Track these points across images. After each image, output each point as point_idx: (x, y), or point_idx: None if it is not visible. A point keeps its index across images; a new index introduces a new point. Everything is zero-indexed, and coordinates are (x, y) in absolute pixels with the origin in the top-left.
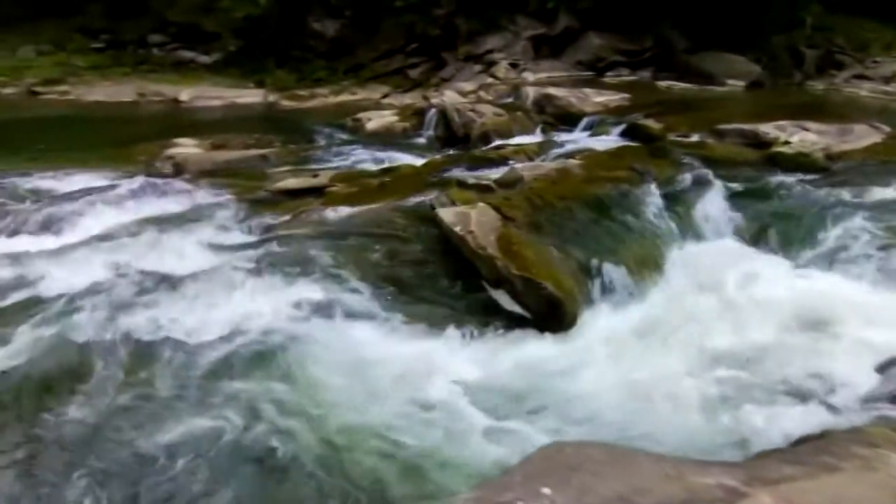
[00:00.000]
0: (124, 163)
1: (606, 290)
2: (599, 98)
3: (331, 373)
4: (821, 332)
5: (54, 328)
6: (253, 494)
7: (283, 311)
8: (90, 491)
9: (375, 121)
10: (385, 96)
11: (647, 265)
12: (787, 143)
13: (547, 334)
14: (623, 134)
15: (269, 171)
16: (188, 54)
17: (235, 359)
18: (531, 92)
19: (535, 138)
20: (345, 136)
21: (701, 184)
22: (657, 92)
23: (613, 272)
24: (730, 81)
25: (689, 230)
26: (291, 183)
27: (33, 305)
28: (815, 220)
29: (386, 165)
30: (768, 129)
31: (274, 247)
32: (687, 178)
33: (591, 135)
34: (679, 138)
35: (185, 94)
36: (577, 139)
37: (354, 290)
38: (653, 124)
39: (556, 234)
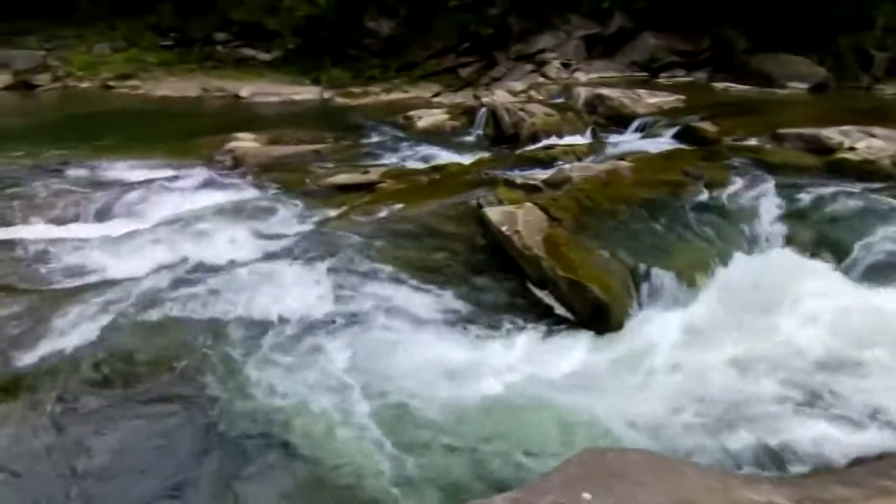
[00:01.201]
0: (187, 155)
1: (653, 294)
2: (653, 99)
3: (372, 367)
4: (878, 350)
5: (116, 309)
6: (300, 476)
7: (330, 304)
8: (149, 458)
9: (426, 119)
10: (436, 95)
11: (697, 272)
12: (851, 149)
13: (591, 337)
14: (676, 136)
15: (321, 165)
16: (250, 52)
17: (281, 347)
18: (583, 92)
19: (586, 139)
20: (395, 134)
21: (757, 190)
22: (714, 94)
23: (661, 277)
24: (791, 84)
25: (743, 238)
26: (342, 178)
27: (99, 287)
28: (877, 232)
29: (435, 163)
30: (832, 134)
31: (324, 240)
32: (742, 183)
33: (644, 137)
34: (735, 142)
35: (245, 90)
36: (629, 141)
37: (400, 286)
38: (708, 127)
39: (604, 237)
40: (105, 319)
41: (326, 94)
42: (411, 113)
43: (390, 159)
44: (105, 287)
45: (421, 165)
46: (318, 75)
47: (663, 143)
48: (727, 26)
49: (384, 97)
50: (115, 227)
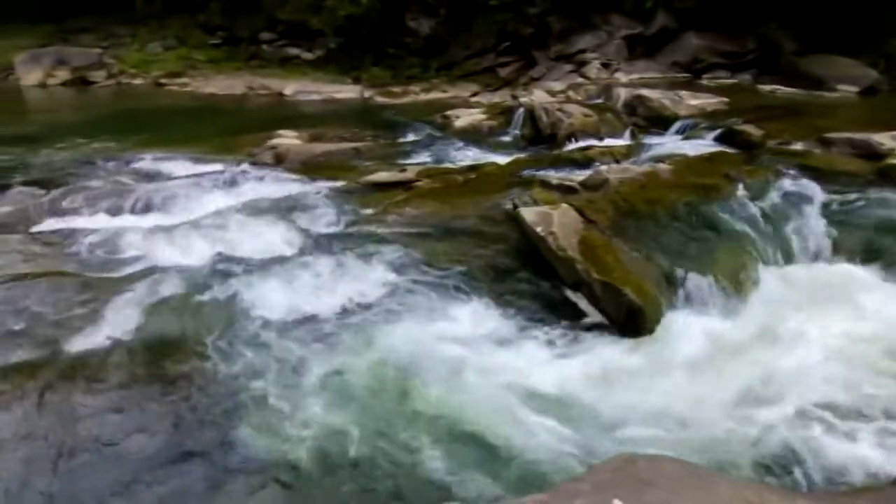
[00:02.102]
0: (232, 151)
1: (690, 300)
2: (695, 101)
3: (400, 362)
4: None
5: (161, 297)
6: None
7: (364, 300)
8: (183, 441)
9: (463, 118)
10: (474, 94)
11: (736, 279)
12: None
13: (624, 340)
14: (718, 139)
15: (360, 163)
16: (294, 51)
17: (314, 339)
18: (622, 93)
19: (624, 140)
20: (433, 133)
21: (802, 196)
22: (759, 96)
23: (698, 283)
24: (841, 87)
25: (786, 245)
26: (380, 176)
27: (146, 276)
28: None
29: (471, 163)
30: (883, 139)
31: (360, 237)
32: (786, 189)
33: (684, 139)
34: (780, 146)
35: (288, 88)
36: (669, 143)
37: (434, 284)
38: (752, 130)
39: (641, 240)
40: (150, 306)
41: (367, 93)
42: (449, 112)
43: (427, 158)
44: (151, 275)
45: (457, 165)
46: (358, 74)
47: (705, 145)
48: (774, 27)
49: (423, 96)
50: (162, 219)
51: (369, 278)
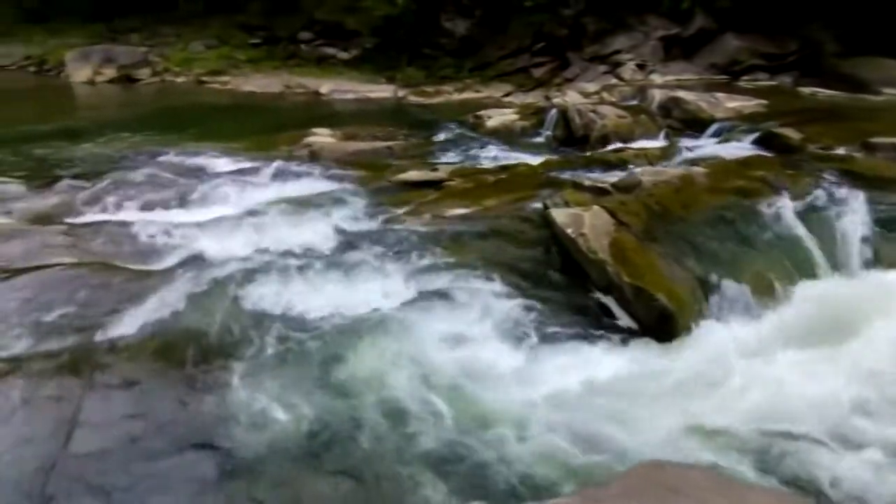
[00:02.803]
0: (269, 148)
1: (723, 307)
2: (732, 103)
3: (427, 359)
4: None
5: (198, 289)
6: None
7: (394, 298)
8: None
9: (496, 119)
10: (507, 95)
11: (772, 286)
12: None
13: (654, 345)
14: (756, 143)
15: (392, 162)
16: (330, 50)
17: (342, 334)
18: (657, 94)
19: (659, 143)
20: (465, 133)
21: (844, 203)
22: (799, 99)
23: (733, 289)
24: (887, 90)
25: (826, 254)
26: (412, 175)
27: (184, 268)
28: None
29: (503, 163)
30: None
31: (391, 235)
32: (827, 195)
33: (720, 142)
34: (821, 151)
35: (324, 87)
36: (705, 146)
37: (462, 284)
38: (791, 134)
39: (674, 244)
40: (187, 298)
41: (400, 93)
42: (481, 112)
43: (459, 158)
44: (189, 268)
45: (489, 165)
46: (393, 74)
47: (742, 149)
48: (817, 28)
49: (456, 96)
50: (201, 214)
51: (399, 277)
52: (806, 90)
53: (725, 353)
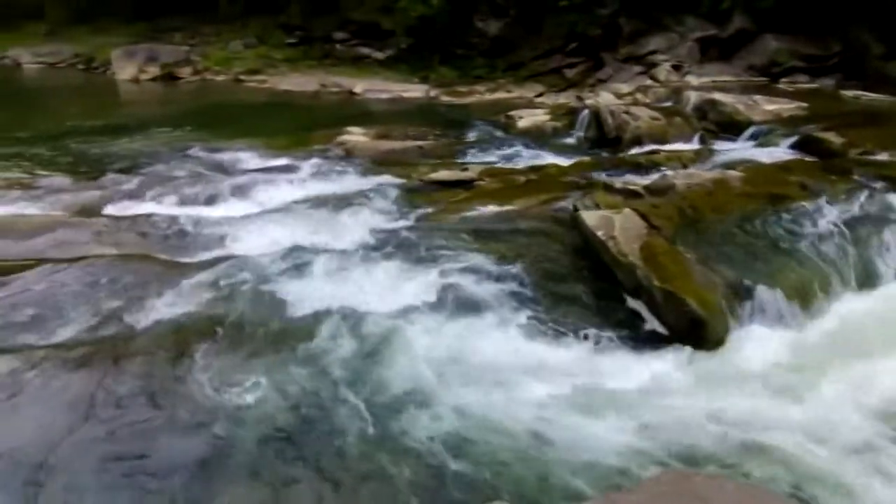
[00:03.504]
0: (303, 146)
1: (757, 314)
2: (771, 106)
3: (455, 362)
4: None
5: (229, 281)
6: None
7: (421, 297)
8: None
9: (527, 119)
10: (539, 95)
11: (809, 296)
12: None
13: (684, 351)
14: (795, 147)
15: (423, 161)
16: (365, 50)
17: (367, 331)
18: (693, 96)
19: (693, 145)
20: (496, 133)
21: (886, 210)
22: (841, 102)
23: (767, 296)
24: None
25: (866, 263)
26: (443, 174)
27: (218, 261)
28: None
29: (533, 164)
30: None
31: (421, 234)
32: (868, 202)
33: (757, 145)
34: (863, 156)
35: (358, 86)
36: (741, 149)
37: (491, 284)
38: (832, 138)
39: (707, 249)
40: (218, 289)
41: (433, 93)
42: (513, 113)
43: (489, 158)
44: (222, 261)
45: (519, 165)
46: (426, 74)
47: (780, 153)
48: (861, 29)
49: (488, 96)
50: (236, 209)
51: (427, 276)
52: (848, 93)
53: (758, 362)
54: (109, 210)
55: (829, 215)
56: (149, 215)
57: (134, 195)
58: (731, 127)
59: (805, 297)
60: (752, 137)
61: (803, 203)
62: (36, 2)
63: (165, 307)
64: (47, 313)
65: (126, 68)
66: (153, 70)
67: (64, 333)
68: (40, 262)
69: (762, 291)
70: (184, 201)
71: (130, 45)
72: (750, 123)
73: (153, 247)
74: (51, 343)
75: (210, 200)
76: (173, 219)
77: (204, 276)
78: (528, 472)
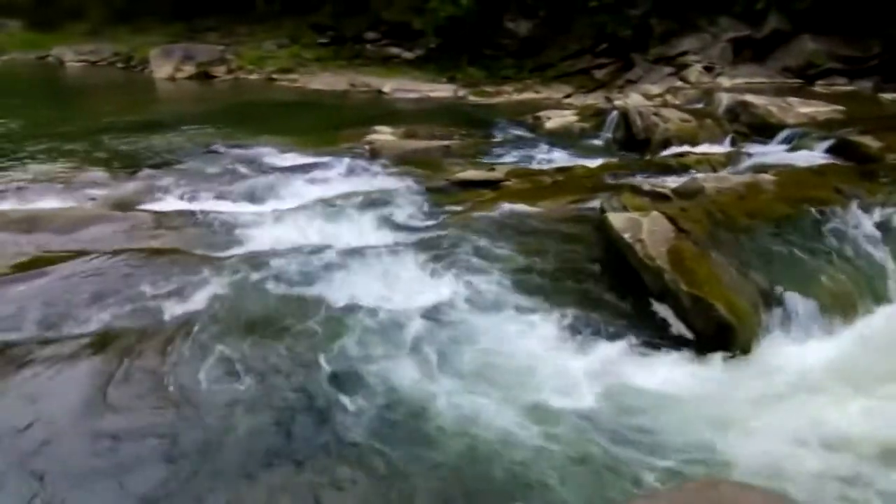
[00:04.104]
0: (332, 144)
1: (787, 322)
2: (806, 109)
3: (478, 363)
4: None
5: (256, 276)
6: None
7: (445, 296)
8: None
9: (555, 120)
10: (567, 96)
11: (844, 303)
12: None
13: (711, 358)
14: (830, 151)
15: (450, 161)
16: (394, 50)
17: (390, 331)
18: (725, 98)
19: (724, 148)
20: (523, 133)
21: None
22: (880, 105)
23: (800, 304)
24: None
25: None
26: (469, 174)
27: (246, 256)
28: None
29: (560, 165)
30: None
31: (447, 234)
32: None
33: (791, 149)
34: None
35: (387, 86)
36: (773, 153)
37: (514, 285)
38: (869, 142)
39: (737, 254)
40: (248, 284)
41: (460, 92)
42: (540, 113)
43: (516, 158)
44: (252, 257)
45: (546, 166)
46: (454, 74)
47: (814, 157)
48: None
49: (516, 97)
50: (265, 206)
51: (452, 275)
52: (887, 96)
53: (785, 371)
54: (145, 204)
55: (865, 222)
56: (182, 211)
57: (168, 191)
58: (764, 130)
59: (838, 307)
60: (786, 141)
61: (838, 209)
62: (78, 2)
63: (197, 300)
64: (85, 303)
65: (163, 67)
66: (189, 69)
67: (100, 323)
68: (80, 253)
69: (793, 299)
70: (215, 197)
71: (168, 45)
72: (783, 126)
73: (186, 241)
74: (88, 331)
75: (241, 197)
76: (205, 214)
77: (234, 270)
78: (546, 477)
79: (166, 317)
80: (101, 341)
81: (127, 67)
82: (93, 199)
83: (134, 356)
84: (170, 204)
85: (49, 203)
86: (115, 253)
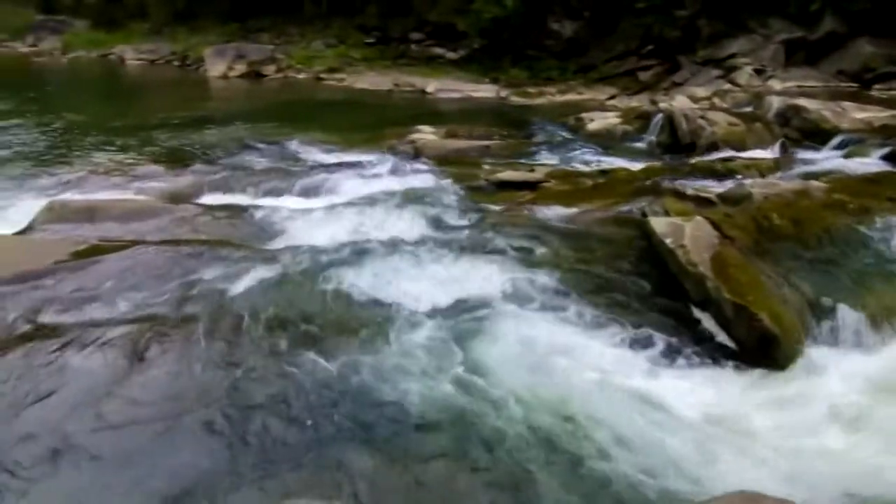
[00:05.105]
0: (375, 142)
1: (836, 335)
2: (861, 114)
3: (511, 363)
4: None
5: (297, 270)
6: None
7: (481, 297)
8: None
9: (597, 121)
10: (611, 98)
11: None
12: None
13: (753, 369)
14: (887, 158)
15: (491, 161)
16: (439, 51)
17: (428, 330)
18: (775, 102)
19: (773, 154)
20: (565, 135)
21: None
22: None
23: (849, 318)
24: None
25: None
26: (509, 175)
27: (288, 251)
28: None
29: (602, 167)
30: None
31: (485, 234)
32: None
33: (845, 156)
34: None
35: (431, 86)
36: (826, 159)
37: (554, 287)
38: None
39: (784, 263)
40: (292, 276)
41: (503, 93)
42: (583, 115)
43: (557, 160)
44: (296, 250)
45: (587, 168)
46: (497, 74)
47: (869, 164)
48: None
49: (558, 98)
50: (310, 201)
51: (489, 274)
52: None
53: (829, 386)
54: (195, 198)
55: None
56: (231, 204)
57: (218, 185)
58: (816, 135)
59: (889, 320)
60: (839, 147)
61: (892, 219)
62: (142, 3)
63: (243, 290)
64: (137, 290)
65: (217, 66)
66: (241, 67)
67: (151, 309)
68: (135, 243)
69: (843, 311)
70: (262, 192)
71: (222, 45)
72: (837, 132)
73: (234, 234)
74: (138, 316)
75: (287, 192)
76: (253, 208)
77: (279, 262)
78: (582, 484)
79: (213, 305)
80: (150, 326)
81: (182, 66)
82: (147, 191)
83: (181, 342)
84: (219, 198)
85: (107, 194)
86: (168, 243)
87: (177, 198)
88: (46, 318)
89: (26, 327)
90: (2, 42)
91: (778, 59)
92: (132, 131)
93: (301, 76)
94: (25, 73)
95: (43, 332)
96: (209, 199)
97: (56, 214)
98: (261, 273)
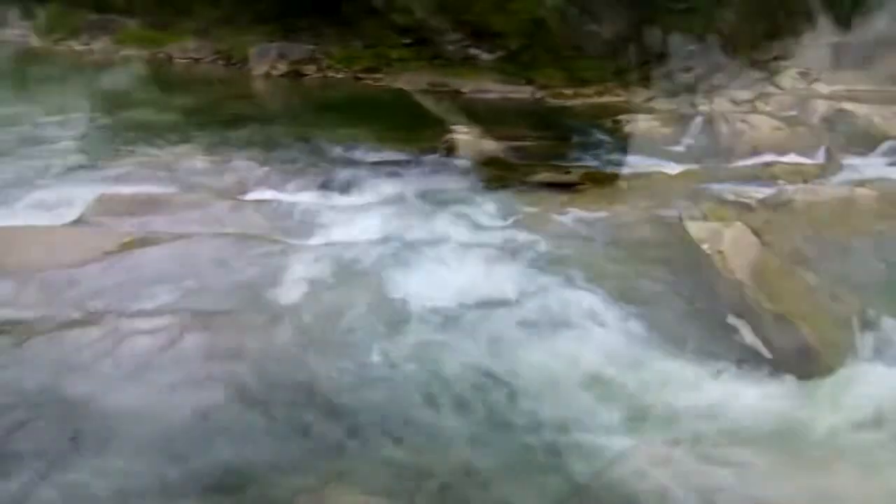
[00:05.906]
0: (410, 142)
1: (881, 350)
2: None
3: (542, 363)
4: None
5: (329, 265)
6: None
7: (513, 297)
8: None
9: (634, 124)
10: (649, 100)
11: None
12: None
13: (790, 382)
14: None
15: (526, 162)
16: (475, 51)
17: (457, 327)
18: (821, 106)
19: (817, 159)
20: (601, 137)
21: None
22: None
23: (894, 330)
24: None
25: None
26: (544, 176)
27: (322, 246)
28: None
29: (638, 170)
30: None
31: (519, 235)
32: None
33: (893, 163)
34: None
35: (466, 86)
36: (873, 166)
37: (583, 289)
38: None
39: (826, 272)
40: (330, 271)
41: (538, 94)
42: (620, 117)
43: (593, 162)
44: (333, 246)
45: (623, 171)
46: (532, 75)
47: None
48: None
49: (595, 99)
50: (347, 199)
51: (522, 276)
52: None
53: (870, 402)
54: (238, 193)
55: None
56: (271, 200)
57: (260, 181)
58: (864, 141)
59: None
60: (888, 153)
61: None
62: (191, 2)
63: (283, 284)
64: (185, 281)
65: (260, 65)
66: (282, 67)
67: (197, 299)
68: (181, 236)
69: (888, 324)
70: (301, 189)
71: (265, 44)
72: (886, 138)
73: (274, 229)
74: (181, 307)
75: (324, 188)
76: (292, 204)
77: (317, 258)
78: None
79: (254, 297)
80: (193, 316)
81: (227, 65)
82: (193, 185)
83: (223, 332)
84: (261, 193)
85: (154, 188)
86: (212, 236)
87: (221, 193)
88: (96, 305)
89: (77, 314)
90: (59, 41)
91: (824, 62)
92: (179, 127)
93: (340, 75)
94: (79, 70)
95: (92, 320)
96: (251, 194)
97: (105, 207)
98: (300, 268)
